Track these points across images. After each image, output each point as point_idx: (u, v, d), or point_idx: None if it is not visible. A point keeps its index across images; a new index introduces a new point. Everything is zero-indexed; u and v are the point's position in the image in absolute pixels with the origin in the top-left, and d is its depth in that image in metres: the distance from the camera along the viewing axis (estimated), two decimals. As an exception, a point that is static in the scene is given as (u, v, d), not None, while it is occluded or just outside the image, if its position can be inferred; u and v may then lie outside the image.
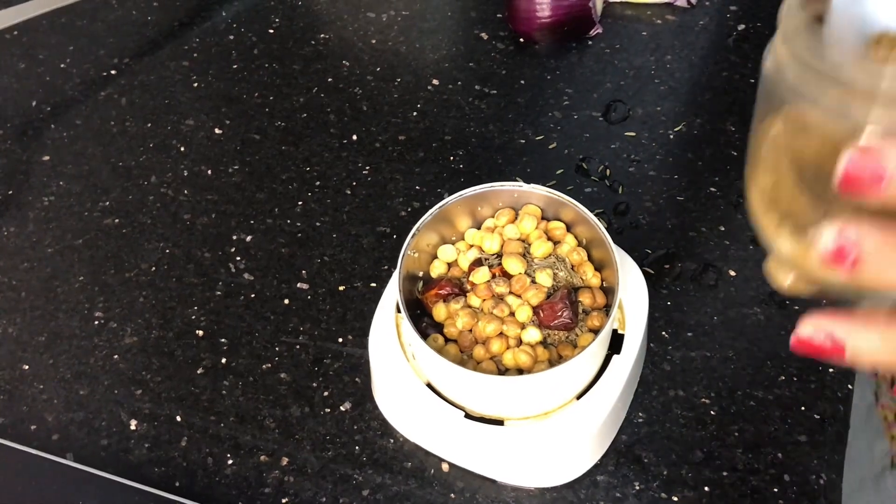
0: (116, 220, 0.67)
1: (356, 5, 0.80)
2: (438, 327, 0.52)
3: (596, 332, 0.50)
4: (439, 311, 0.52)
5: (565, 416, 0.50)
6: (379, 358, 0.53)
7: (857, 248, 0.26)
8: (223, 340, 0.60)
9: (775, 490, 0.51)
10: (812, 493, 0.51)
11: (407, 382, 0.52)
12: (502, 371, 0.50)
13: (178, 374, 0.59)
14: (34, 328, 0.61)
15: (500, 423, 0.51)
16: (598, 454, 0.53)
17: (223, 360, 0.59)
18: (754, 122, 0.33)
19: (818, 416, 0.54)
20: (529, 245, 0.53)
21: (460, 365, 0.49)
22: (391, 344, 0.53)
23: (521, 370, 0.49)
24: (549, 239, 0.53)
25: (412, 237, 0.52)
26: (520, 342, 0.50)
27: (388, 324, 0.54)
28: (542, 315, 0.50)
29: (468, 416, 0.51)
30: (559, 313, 0.49)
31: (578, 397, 0.51)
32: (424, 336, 0.51)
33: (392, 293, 0.54)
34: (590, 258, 0.53)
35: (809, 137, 0.30)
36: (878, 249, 0.26)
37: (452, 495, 0.53)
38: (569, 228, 0.54)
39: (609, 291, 0.52)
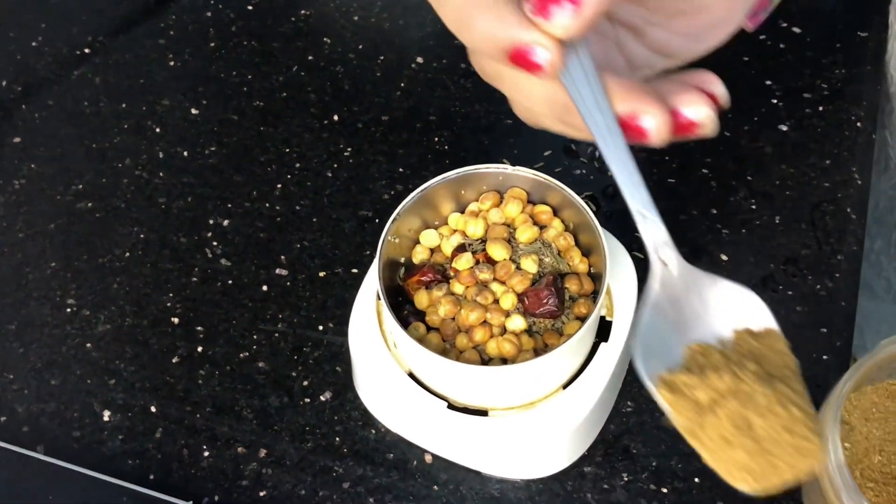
0: (90, 204, 0.64)
1: (338, -19, 0.77)
2: (420, 315, 0.50)
3: (583, 319, 0.48)
4: (421, 299, 0.50)
5: (551, 407, 0.48)
6: (359, 347, 0.52)
7: None
8: (199, 328, 0.58)
9: (767, 481, 0.50)
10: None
11: (388, 372, 0.50)
12: (486, 360, 0.48)
13: (153, 364, 0.57)
14: (4, 316, 0.59)
15: (483, 413, 0.49)
16: (586, 445, 0.51)
17: (199, 349, 0.57)
18: None
19: (812, 406, 0.52)
20: (514, 230, 0.51)
21: (442, 354, 0.47)
22: (372, 332, 0.51)
23: (505, 360, 0.48)
24: (535, 223, 0.51)
25: (392, 222, 0.50)
26: (504, 330, 0.48)
27: (368, 311, 0.52)
28: (526, 302, 0.48)
29: (451, 406, 0.49)
30: (544, 301, 0.48)
31: (565, 387, 0.49)
32: (406, 324, 0.49)
33: (373, 280, 0.52)
34: (577, 243, 0.52)
35: None
36: None
37: (436, 487, 0.51)
38: (555, 212, 0.52)
39: (597, 278, 0.50)
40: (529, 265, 0.49)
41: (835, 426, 0.39)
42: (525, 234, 0.50)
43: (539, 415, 0.48)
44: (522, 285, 0.49)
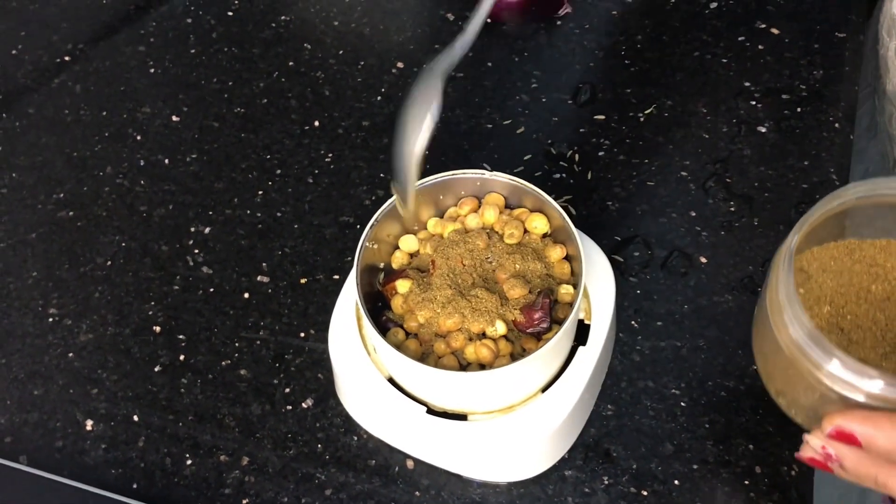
0: (71, 213, 0.64)
1: (319, -14, 0.77)
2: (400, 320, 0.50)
3: (560, 323, 0.48)
4: (396, 304, 0.50)
5: (530, 410, 0.49)
6: (340, 352, 0.52)
7: (838, 459, 0.37)
8: (181, 336, 0.58)
9: (746, 482, 0.50)
10: (783, 485, 0.50)
11: (368, 377, 0.50)
12: (464, 365, 0.48)
13: (135, 373, 0.57)
14: (-16, 327, 0.59)
15: (463, 417, 0.49)
16: (565, 448, 0.52)
17: (181, 357, 0.57)
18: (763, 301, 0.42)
19: (789, 406, 0.52)
20: (501, 234, 0.51)
21: (421, 359, 0.47)
22: (352, 337, 0.51)
23: (484, 365, 0.48)
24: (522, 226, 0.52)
25: (370, 228, 0.50)
26: (481, 335, 0.48)
27: (348, 317, 0.52)
28: (517, 320, 0.48)
29: (430, 411, 0.49)
30: (537, 322, 0.48)
31: (543, 390, 0.49)
32: (384, 330, 0.49)
33: (352, 285, 0.52)
34: (555, 247, 0.52)
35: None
36: (854, 462, 0.37)
37: (417, 493, 0.51)
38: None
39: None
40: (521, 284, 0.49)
41: (789, 258, 0.40)
42: (513, 235, 0.51)
43: (518, 418, 0.49)
44: (518, 303, 0.48)
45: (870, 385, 0.37)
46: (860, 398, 0.37)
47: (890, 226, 0.44)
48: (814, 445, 0.38)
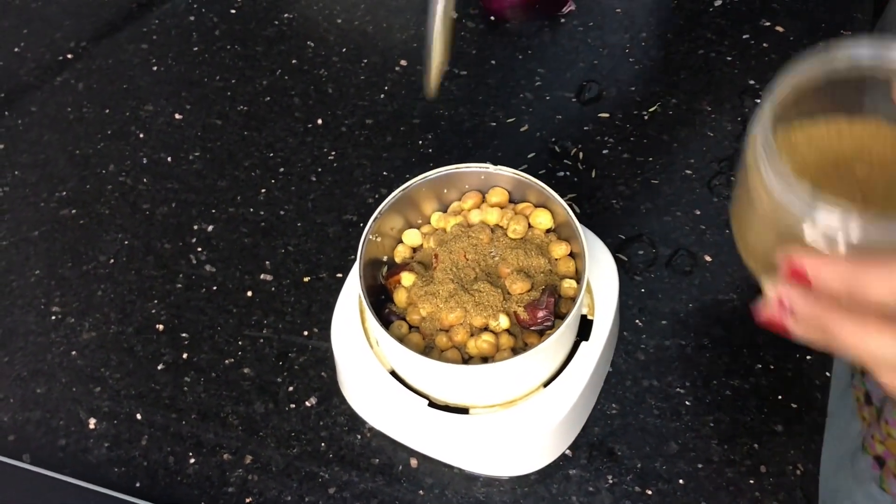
0: (73, 211, 0.64)
1: (322, -16, 0.77)
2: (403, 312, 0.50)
3: (563, 317, 0.48)
4: (400, 297, 0.50)
5: (532, 405, 0.49)
6: (342, 344, 0.52)
7: (790, 307, 0.35)
8: (184, 335, 0.58)
9: (751, 482, 0.50)
10: (789, 485, 0.50)
11: (370, 370, 0.50)
12: (466, 359, 0.48)
13: (138, 371, 0.57)
14: (-13, 325, 0.59)
15: (464, 411, 0.49)
16: (567, 443, 0.51)
17: (184, 356, 0.57)
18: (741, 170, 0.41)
19: (795, 406, 0.52)
20: (504, 228, 0.51)
21: (424, 353, 0.47)
22: (355, 330, 0.51)
23: (486, 358, 0.48)
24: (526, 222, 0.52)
25: (374, 221, 0.50)
26: (484, 329, 0.48)
27: (351, 310, 0.52)
28: (521, 317, 0.48)
29: (432, 404, 0.49)
30: (541, 321, 0.47)
31: (546, 385, 0.49)
32: (387, 323, 0.49)
33: (356, 278, 0.52)
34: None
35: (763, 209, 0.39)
36: (804, 307, 0.35)
37: (421, 492, 0.51)
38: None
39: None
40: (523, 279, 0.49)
41: (771, 112, 0.39)
42: (517, 230, 0.51)
43: (520, 413, 0.48)
44: (522, 300, 0.48)
45: (850, 228, 0.35)
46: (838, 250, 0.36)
47: (880, 102, 0.42)
48: (769, 296, 0.37)
